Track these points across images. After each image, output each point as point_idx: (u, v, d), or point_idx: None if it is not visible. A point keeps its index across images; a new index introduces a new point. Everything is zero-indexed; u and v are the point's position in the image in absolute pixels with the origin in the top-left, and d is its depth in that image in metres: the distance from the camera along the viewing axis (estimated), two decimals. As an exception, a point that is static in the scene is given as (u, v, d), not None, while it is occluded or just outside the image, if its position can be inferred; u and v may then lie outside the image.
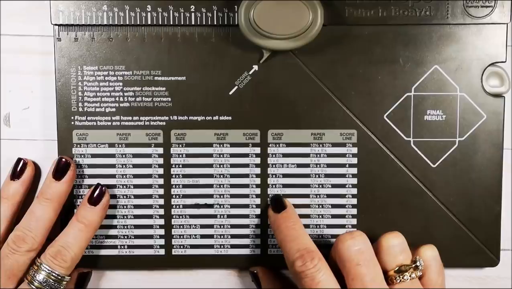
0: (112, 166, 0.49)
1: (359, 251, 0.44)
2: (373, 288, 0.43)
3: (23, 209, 0.47)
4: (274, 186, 0.49)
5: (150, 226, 0.49)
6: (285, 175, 0.49)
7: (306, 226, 0.49)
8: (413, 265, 0.45)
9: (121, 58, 0.48)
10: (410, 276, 0.44)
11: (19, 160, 0.48)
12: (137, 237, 0.49)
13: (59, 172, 0.47)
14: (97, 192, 0.47)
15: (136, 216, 0.49)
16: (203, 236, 0.49)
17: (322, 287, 0.43)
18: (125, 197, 0.49)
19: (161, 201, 0.49)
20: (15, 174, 0.48)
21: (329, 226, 0.49)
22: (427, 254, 0.46)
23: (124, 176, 0.49)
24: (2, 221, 0.47)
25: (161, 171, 0.49)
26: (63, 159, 0.47)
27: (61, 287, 0.46)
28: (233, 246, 0.49)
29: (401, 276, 0.44)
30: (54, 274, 0.45)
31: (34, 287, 0.45)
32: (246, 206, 0.49)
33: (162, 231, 0.49)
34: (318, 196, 0.49)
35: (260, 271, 0.49)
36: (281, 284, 0.49)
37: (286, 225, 0.46)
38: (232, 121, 0.49)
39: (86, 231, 0.46)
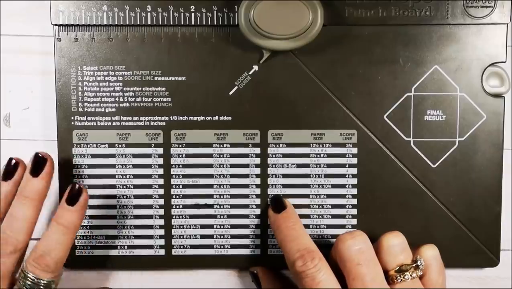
0: (112, 166, 0.49)
1: (360, 250, 0.44)
2: (374, 288, 0.43)
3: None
4: (274, 186, 0.49)
5: (150, 226, 0.49)
6: (285, 175, 0.49)
7: (306, 226, 0.49)
8: (414, 265, 0.45)
9: (121, 58, 0.48)
10: (411, 275, 0.44)
11: (10, 160, 0.46)
12: (137, 237, 0.49)
13: (35, 167, 0.45)
14: (73, 191, 0.46)
15: (136, 216, 0.49)
16: (203, 236, 0.49)
17: (323, 287, 0.43)
18: (125, 197, 0.49)
19: (161, 201, 0.49)
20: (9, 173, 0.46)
21: (329, 226, 0.49)
22: (427, 254, 0.46)
23: (124, 176, 0.49)
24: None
25: (161, 171, 0.49)
26: (39, 154, 0.46)
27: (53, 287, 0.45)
28: (233, 246, 0.49)
29: (402, 276, 0.44)
30: (40, 280, 0.44)
31: None
32: (246, 206, 0.49)
33: (162, 231, 0.49)
34: (318, 196, 0.49)
35: (260, 271, 0.49)
36: (281, 284, 0.49)
37: (286, 225, 0.46)
38: (232, 121, 0.49)
39: (66, 232, 0.45)
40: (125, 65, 0.48)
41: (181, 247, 0.49)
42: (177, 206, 0.49)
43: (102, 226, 0.49)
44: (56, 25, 0.48)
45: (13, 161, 0.46)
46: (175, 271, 0.50)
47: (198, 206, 0.49)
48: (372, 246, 0.44)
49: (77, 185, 0.46)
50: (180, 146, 0.49)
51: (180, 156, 0.49)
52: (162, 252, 0.49)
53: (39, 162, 0.46)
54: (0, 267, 0.44)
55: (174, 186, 0.49)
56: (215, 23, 0.48)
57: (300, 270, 0.44)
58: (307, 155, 0.49)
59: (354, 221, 0.49)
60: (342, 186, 0.49)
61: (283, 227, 0.46)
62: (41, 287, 0.44)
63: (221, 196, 0.49)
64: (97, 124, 0.48)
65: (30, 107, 0.50)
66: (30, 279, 0.44)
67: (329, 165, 0.49)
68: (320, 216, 0.49)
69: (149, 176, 0.49)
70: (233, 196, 0.49)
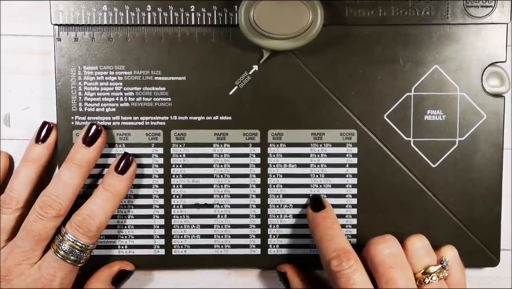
0: (112, 166, 0.49)
1: (392, 254, 0.44)
2: None
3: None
4: (274, 186, 0.49)
5: (150, 226, 0.49)
6: (285, 175, 0.49)
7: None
8: (440, 266, 0.45)
9: (121, 58, 0.48)
10: (438, 277, 0.44)
11: (44, 123, 0.48)
12: (137, 237, 0.49)
13: (89, 138, 0.47)
14: (124, 161, 0.47)
15: (136, 216, 0.49)
16: (203, 236, 0.49)
17: (357, 287, 0.43)
18: (125, 197, 0.49)
19: (161, 201, 0.49)
20: (40, 138, 0.47)
21: (329, 226, 0.49)
22: (449, 254, 0.46)
23: (124, 176, 0.49)
24: (25, 185, 0.47)
25: (161, 171, 0.49)
26: (94, 126, 0.47)
27: (86, 256, 0.46)
28: (233, 246, 0.49)
29: (429, 277, 0.44)
30: (78, 244, 0.45)
31: (59, 256, 0.45)
32: (246, 206, 0.49)
33: (162, 231, 0.49)
34: (318, 196, 0.49)
35: (289, 270, 0.49)
36: (311, 284, 0.49)
37: (325, 224, 0.46)
38: (232, 121, 0.49)
39: (112, 199, 0.46)
40: (125, 65, 0.48)
41: (181, 247, 0.49)
42: (177, 206, 0.49)
43: (102, 226, 0.49)
44: (56, 25, 0.48)
45: (47, 125, 0.48)
46: (175, 271, 0.50)
47: (198, 206, 0.49)
48: (403, 250, 0.44)
49: (128, 155, 0.47)
50: (180, 146, 0.49)
51: (180, 156, 0.49)
52: (162, 252, 0.49)
53: (94, 133, 0.47)
54: (40, 230, 0.45)
55: (174, 186, 0.49)
56: (215, 23, 0.48)
57: (335, 269, 0.43)
58: (307, 155, 0.49)
59: (354, 221, 0.49)
60: (342, 186, 0.49)
61: (322, 226, 0.46)
62: (77, 250, 0.45)
63: (221, 196, 0.49)
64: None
65: (30, 107, 0.50)
66: (69, 242, 0.45)
67: (329, 165, 0.49)
68: (320, 216, 0.49)
69: (149, 176, 0.49)
70: (233, 196, 0.49)
